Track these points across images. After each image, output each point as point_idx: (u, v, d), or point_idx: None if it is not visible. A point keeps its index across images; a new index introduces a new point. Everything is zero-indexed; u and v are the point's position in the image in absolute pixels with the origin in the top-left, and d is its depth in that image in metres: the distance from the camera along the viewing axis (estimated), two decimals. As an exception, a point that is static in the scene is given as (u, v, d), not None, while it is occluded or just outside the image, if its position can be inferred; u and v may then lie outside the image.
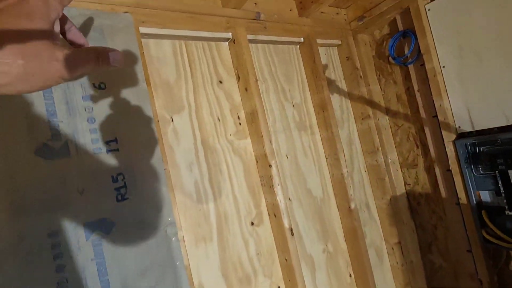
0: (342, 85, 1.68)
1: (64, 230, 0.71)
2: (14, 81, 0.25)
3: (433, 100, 1.36)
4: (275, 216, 1.20)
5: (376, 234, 1.63)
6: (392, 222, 1.61)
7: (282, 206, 1.16)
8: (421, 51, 1.36)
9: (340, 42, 1.65)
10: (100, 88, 0.84)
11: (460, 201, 1.33)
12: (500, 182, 1.19)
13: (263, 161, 1.19)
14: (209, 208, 1.08)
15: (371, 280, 1.39)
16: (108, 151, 0.81)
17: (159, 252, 0.85)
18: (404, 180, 1.66)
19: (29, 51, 0.25)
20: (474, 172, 1.29)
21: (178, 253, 0.89)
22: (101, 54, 0.31)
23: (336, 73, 1.66)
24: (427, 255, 1.62)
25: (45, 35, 0.27)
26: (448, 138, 1.33)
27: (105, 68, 0.33)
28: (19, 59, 0.25)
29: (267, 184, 1.20)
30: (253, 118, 1.19)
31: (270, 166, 1.16)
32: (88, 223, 0.75)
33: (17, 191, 0.67)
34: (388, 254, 1.65)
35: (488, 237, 1.22)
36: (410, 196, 1.64)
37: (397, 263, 1.61)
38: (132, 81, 0.90)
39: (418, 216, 1.63)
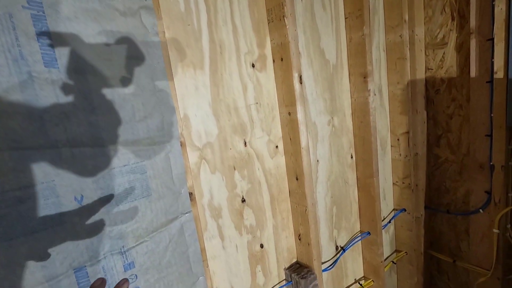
0: None
1: None
2: None
3: None
4: (281, 60, 0.97)
5: (383, 123, 1.47)
6: (403, 110, 1.44)
7: (292, 45, 0.93)
8: None
9: None
10: None
11: (495, 76, 1.14)
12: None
13: (274, -16, 0.91)
14: (201, 28, 0.83)
15: (375, 165, 1.26)
16: None
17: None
18: (426, 65, 1.44)
19: None
20: (520, 41, 1.07)
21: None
22: None
23: None
24: (433, 148, 1.50)
25: None
26: (502, -7, 1.07)
27: None
28: None
29: (277, 17, 0.94)
30: None
31: (283, -12, 0.89)
32: None
33: None
34: (391, 146, 1.52)
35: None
36: (429, 83, 1.45)
37: (400, 155, 1.49)
38: None
39: (433, 106, 1.46)
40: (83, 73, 0.56)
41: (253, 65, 0.96)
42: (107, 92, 0.60)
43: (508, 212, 1.25)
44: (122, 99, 0.62)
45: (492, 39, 1.13)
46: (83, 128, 0.57)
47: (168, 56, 0.72)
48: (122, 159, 0.62)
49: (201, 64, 0.84)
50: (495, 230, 1.25)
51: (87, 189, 0.58)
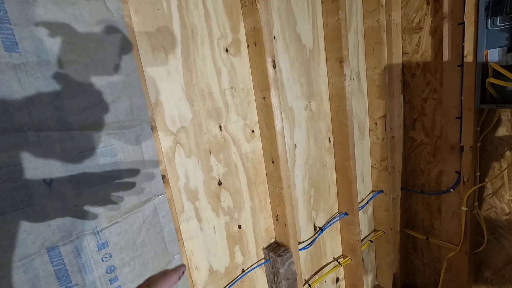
0: None
1: None
2: None
3: None
4: (255, 44, 0.98)
5: (362, 107, 1.51)
6: (381, 95, 1.47)
7: (265, 30, 0.94)
8: None
9: None
10: None
11: (465, 60, 1.17)
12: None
13: (245, -32, 0.91)
14: (172, 13, 0.83)
15: (352, 149, 1.30)
16: None
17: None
18: (403, 50, 1.47)
19: None
20: (489, 26, 1.10)
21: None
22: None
23: None
24: (409, 131, 1.55)
25: None
26: (473, -23, 1.09)
27: None
28: None
29: (249, 1, 0.94)
30: None
31: (255, -29, 0.89)
32: None
33: None
34: (370, 130, 1.56)
35: (489, 88, 1.11)
36: (406, 67, 1.48)
37: (378, 138, 1.54)
38: None
39: (409, 90, 1.50)
40: (45, 57, 0.57)
41: (226, 50, 0.96)
42: (72, 76, 0.60)
43: (476, 191, 1.32)
44: (88, 83, 0.63)
45: (463, 23, 1.16)
46: (49, 112, 0.58)
47: (135, 40, 0.72)
48: (91, 143, 0.64)
49: (173, 48, 0.84)
50: (464, 208, 1.32)
51: (56, 172, 0.59)
